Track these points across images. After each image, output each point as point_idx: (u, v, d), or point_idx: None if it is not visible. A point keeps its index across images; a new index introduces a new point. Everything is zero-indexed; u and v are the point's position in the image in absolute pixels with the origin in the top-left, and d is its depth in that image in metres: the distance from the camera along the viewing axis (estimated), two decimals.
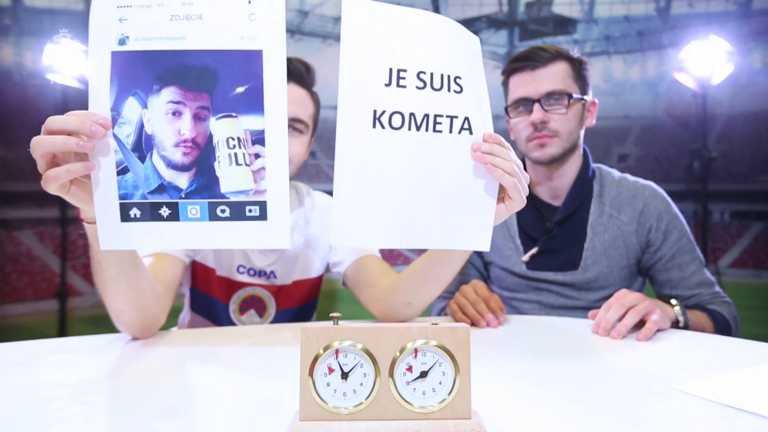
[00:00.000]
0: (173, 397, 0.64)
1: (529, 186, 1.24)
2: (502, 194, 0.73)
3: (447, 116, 0.68)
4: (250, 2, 0.64)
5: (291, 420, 0.52)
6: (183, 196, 0.65)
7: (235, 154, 0.65)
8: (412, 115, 0.67)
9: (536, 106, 1.17)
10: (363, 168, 0.66)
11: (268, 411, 0.60)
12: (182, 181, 0.65)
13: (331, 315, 0.53)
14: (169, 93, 0.64)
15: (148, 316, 0.88)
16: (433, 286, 0.95)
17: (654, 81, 3.49)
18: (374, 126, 0.66)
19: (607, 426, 0.57)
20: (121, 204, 0.65)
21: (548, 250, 1.24)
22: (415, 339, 0.51)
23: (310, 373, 0.50)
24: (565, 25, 3.53)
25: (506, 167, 0.69)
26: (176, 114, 0.65)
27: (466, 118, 0.69)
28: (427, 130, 0.68)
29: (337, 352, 0.51)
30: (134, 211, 0.65)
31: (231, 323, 1.17)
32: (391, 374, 0.51)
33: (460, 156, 0.70)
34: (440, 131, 0.68)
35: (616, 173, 1.29)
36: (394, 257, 3.77)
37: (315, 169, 3.51)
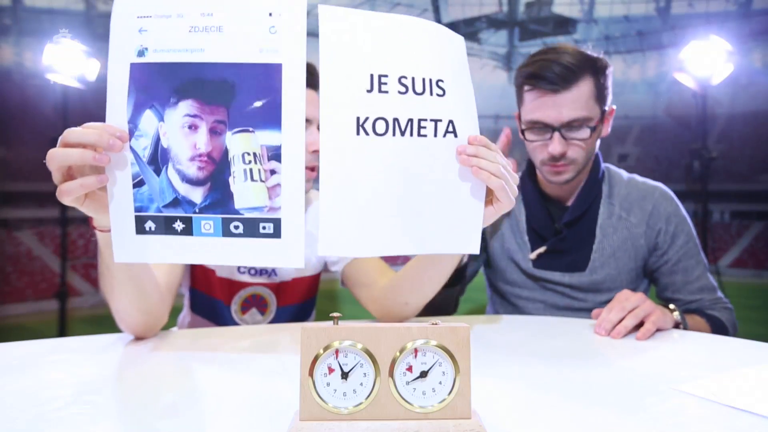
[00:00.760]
0: (173, 397, 0.64)
1: (538, 184, 1.25)
2: (490, 196, 0.73)
3: (431, 120, 0.68)
4: (271, 15, 0.63)
5: (291, 420, 0.52)
6: (197, 210, 0.65)
7: (251, 170, 0.64)
8: (395, 120, 0.66)
9: (556, 136, 1.10)
10: (348, 176, 0.65)
11: (268, 411, 0.60)
12: (197, 195, 0.65)
13: (331, 315, 0.53)
14: (186, 106, 0.64)
15: (152, 317, 0.88)
16: (427, 287, 0.95)
17: (654, 81, 3.49)
18: (358, 133, 0.65)
19: (607, 426, 0.57)
20: (136, 216, 0.65)
21: (556, 250, 1.22)
22: (415, 339, 0.51)
23: (310, 373, 0.50)
24: (565, 25, 3.53)
25: (492, 169, 0.69)
26: (192, 127, 0.64)
27: (451, 121, 0.69)
28: (411, 134, 0.67)
29: (337, 352, 0.51)
30: (149, 224, 0.65)
31: (233, 323, 1.17)
32: (391, 374, 0.51)
33: (446, 160, 0.69)
34: (425, 135, 0.68)
35: (624, 174, 1.27)
36: (393, 257, 3.76)
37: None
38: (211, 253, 0.65)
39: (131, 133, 0.64)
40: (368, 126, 0.65)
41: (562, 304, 1.23)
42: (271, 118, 0.63)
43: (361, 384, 0.51)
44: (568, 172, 1.15)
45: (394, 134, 0.66)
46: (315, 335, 0.51)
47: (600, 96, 1.13)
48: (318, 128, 1.05)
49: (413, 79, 0.67)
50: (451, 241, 0.72)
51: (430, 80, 0.68)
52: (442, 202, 0.70)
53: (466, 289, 1.30)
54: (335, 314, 0.53)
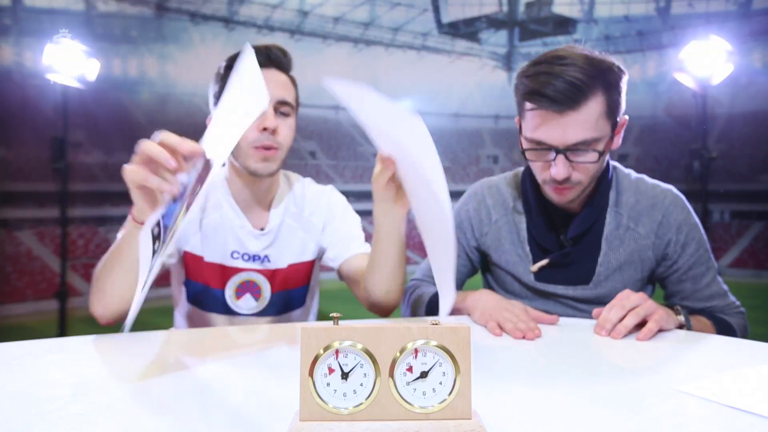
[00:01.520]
0: (173, 397, 0.64)
1: (540, 190, 1.19)
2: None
3: None
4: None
5: (291, 420, 0.52)
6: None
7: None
8: None
9: (560, 159, 0.99)
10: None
11: (268, 411, 0.60)
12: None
13: (331, 315, 0.53)
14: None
15: (126, 307, 0.91)
16: (387, 268, 0.99)
17: (654, 81, 3.49)
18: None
19: (607, 426, 0.56)
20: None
21: (559, 264, 1.15)
22: (415, 339, 0.51)
23: (310, 374, 0.50)
24: (565, 24, 3.53)
25: None
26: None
27: None
28: None
29: (337, 352, 0.51)
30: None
31: (227, 309, 1.19)
32: (391, 374, 0.51)
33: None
34: None
35: (633, 174, 1.18)
36: None
37: (315, 168, 3.51)
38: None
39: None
40: None
41: (564, 314, 1.16)
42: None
43: (361, 384, 0.51)
44: (572, 192, 1.06)
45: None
46: (315, 335, 0.50)
47: (611, 113, 1.00)
48: (274, 109, 1.12)
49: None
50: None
51: None
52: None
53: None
54: (335, 314, 0.53)
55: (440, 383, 0.51)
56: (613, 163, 1.18)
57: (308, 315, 1.32)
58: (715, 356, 0.84)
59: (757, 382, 0.69)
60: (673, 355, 0.84)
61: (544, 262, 1.14)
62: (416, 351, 0.51)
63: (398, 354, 0.51)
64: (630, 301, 0.93)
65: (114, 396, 0.64)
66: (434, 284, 1.21)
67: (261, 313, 1.21)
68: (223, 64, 1.15)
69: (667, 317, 0.95)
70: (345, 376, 0.51)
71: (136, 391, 0.66)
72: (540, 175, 1.07)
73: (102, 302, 0.91)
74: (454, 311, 1.11)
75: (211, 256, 1.18)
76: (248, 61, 0.76)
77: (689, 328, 1.01)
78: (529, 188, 1.17)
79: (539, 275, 1.16)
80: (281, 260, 1.22)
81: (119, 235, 0.92)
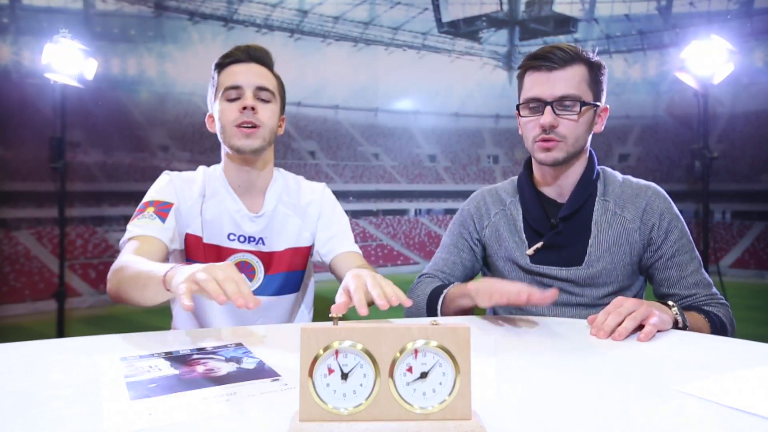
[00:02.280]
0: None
1: (534, 184, 1.30)
2: None
3: None
4: None
5: (291, 420, 0.52)
6: None
7: None
8: None
9: (548, 109, 1.17)
10: None
11: (268, 411, 0.60)
12: None
13: (331, 315, 0.52)
14: None
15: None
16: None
17: (655, 80, 3.49)
18: None
19: (607, 426, 0.56)
20: None
21: (553, 246, 1.25)
22: (415, 339, 0.51)
23: (310, 374, 0.50)
24: (565, 24, 3.53)
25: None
26: None
27: None
28: None
29: (336, 352, 0.50)
30: None
31: None
32: (391, 375, 0.51)
33: None
34: None
35: (619, 175, 1.31)
36: (394, 257, 3.76)
37: (314, 168, 3.51)
38: None
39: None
40: None
41: (559, 299, 1.24)
42: None
43: (361, 385, 0.51)
44: (558, 149, 1.19)
45: None
46: (315, 336, 0.50)
47: (593, 84, 1.20)
48: (252, 94, 1.20)
49: None
50: None
51: None
52: None
53: None
54: (335, 314, 0.53)
55: (440, 384, 0.51)
56: (600, 166, 1.31)
57: (302, 300, 1.38)
58: (715, 356, 0.84)
59: (757, 383, 0.69)
60: (673, 355, 0.84)
61: (538, 244, 1.25)
62: (416, 351, 0.51)
63: (398, 354, 0.51)
64: (625, 308, 0.96)
65: (113, 396, 0.64)
66: (440, 279, 1.32)
67: (254, 293, 1.24)
68: (215, 62, 1.25)
69: (662, 318, 0.96)
70: (345, 376, 0.50)
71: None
72: (531, 134, 1.21)
73: (121, 300, 1.04)
74: (459, 299, 1.18)
75: (210, 237, 1.25)
76: None
77: (684, 322, 1.02)
78: (524, 182, 1.31)
79: (535, 258, 1.26)
80: (277, 244, 1.29)
81: (152, 267, 0.96)
